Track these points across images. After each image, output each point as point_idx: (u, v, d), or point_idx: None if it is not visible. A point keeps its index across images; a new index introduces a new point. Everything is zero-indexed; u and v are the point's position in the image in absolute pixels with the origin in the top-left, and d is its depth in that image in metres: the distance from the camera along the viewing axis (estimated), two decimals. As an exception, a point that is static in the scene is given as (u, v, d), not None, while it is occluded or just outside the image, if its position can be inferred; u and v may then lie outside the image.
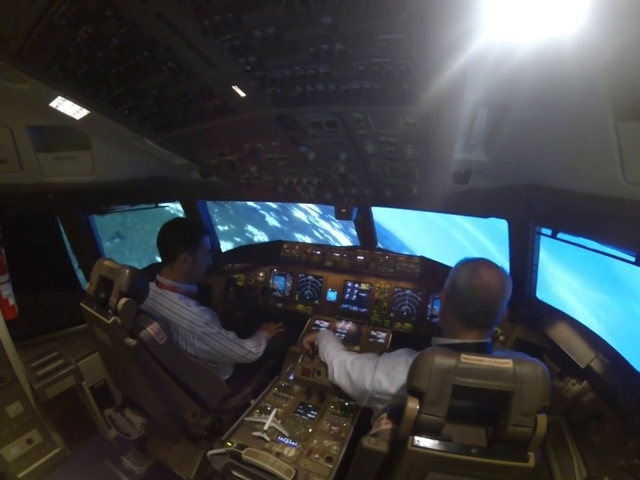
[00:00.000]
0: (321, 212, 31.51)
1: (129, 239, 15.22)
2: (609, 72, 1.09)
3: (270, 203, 26.79)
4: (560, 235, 2.15)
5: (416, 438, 1.36)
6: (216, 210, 22.26)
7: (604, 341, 2.22)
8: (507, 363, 1.33)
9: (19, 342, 2.51)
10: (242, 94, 1.56)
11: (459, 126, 1.66)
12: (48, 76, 1.56)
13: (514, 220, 2.46)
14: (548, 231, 2.25)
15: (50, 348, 2.68)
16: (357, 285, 3.36)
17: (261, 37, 1.19)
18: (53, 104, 1.90)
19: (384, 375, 1.83)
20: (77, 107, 1.92)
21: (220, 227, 20.71)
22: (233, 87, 1.52)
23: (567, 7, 0.92)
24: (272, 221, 27.14)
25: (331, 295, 3.42)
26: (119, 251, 14.66)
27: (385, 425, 1.64)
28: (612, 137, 1.28)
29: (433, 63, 1.18)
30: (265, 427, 2.34)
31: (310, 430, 2.40)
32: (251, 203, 26.48)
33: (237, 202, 24.70)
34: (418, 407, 1.36)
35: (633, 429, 1.77)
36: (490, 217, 2.44)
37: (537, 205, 2.08)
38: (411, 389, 1.40)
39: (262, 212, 27.36)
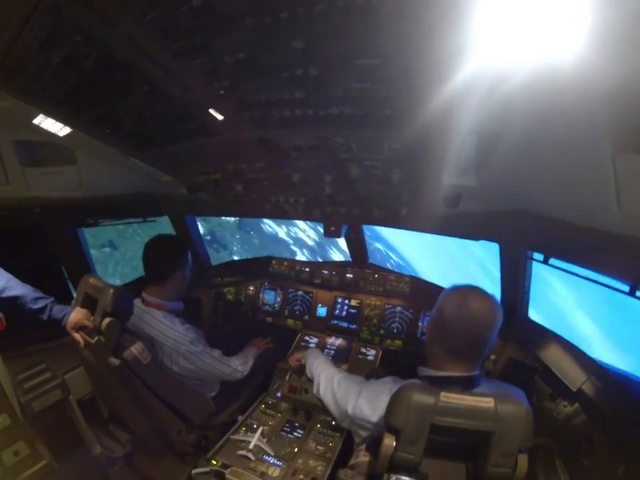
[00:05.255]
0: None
1: (121, 251, 13.35)
2: (608, 101, 0.95)
3: (306, 240, 25.46)
4: (552, 261, 1.99)
5: (392, 476, 1.28)
6: (237, 236, 21.17)
7: (597, 363, 2.10)
8: (488, 402, 1.23)
9: (6, 353, 2.40)
10: (219, 117, 1.47)
11: (447, 152, 1.51)
12: (28, 95, 1.50)
13: (505, 244, 2.33)
14: (540, 256, 2.13)
15: (37, 360, 2.56)
16: (346, 301, 3.23)
17: (232, 61, 1.10)
18: (35, 121, 1.82)
19: (367, 402, 1.72)
20: (60, 125, 1.81)
21: (236, 258, 19.36)
22: (210, 110, 1.42)
23: (564, 32, 0.80)
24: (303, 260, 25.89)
25: (321, 311, 3.28)
26: (103, 263, 12.79)
27: (362, 456, 1.56)
28: (609, 170, 1.14)
29: (416, 89, 1.08)
30: (250, 446, 2.22)
31: (296, 449, 2.29)
32: (282, 235, 25.28)
33: (265, 232, 23.60)
34: (394, 443, 1.27)
35: (624, 453, 1.67)
36: (480, 239, 2.28)
37: (529, 231, 1.95)
38: (388, 425, 1.31)
39: (294, 247, 25.82)
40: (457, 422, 1.23)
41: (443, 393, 1.26)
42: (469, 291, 1.58)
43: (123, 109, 1.53)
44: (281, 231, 25.90)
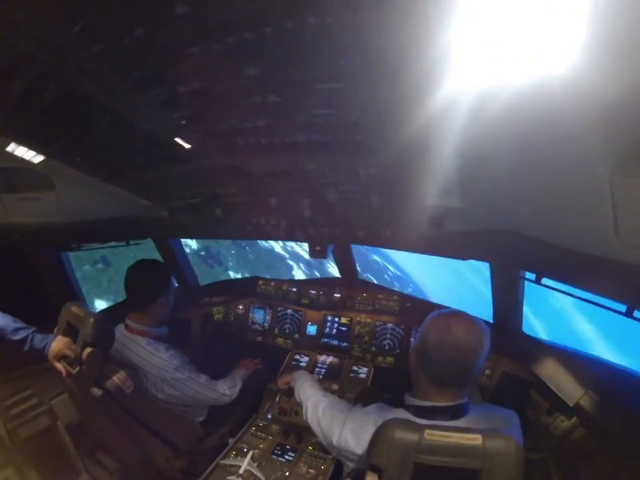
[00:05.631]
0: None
1: (115, 267, 12.85)
2: (605, 119, 0.86)
3: (303, 254, 24.69)
4: (544, 281, 1.89)
5: None
6: (233, 252, 20.91)
7: (595, 375, 2.02)
8: (475, 439, 1.15)
9: None
10: (186, 145, 1.42)
11: (427, 175, 1.42)
12: None
13: (495, 263, 2.24)
14: (532, 276, 2.04)
15: (24, 385, 2.51)
16: (336, 319, 3.15)
17: (187, 91, 1.06)
18: (9, 149, 1.77)
19: (351, 433, 1.63)
20: (33, 152, 1.76)
21: (232, 273, 19.11)
22: (176, 139, 1.39)
23: (555, 45, 0.71)
24: (299, 274, 24.99)
25: (311, 329, 3.20)
26: (97, 279, 12.50)
27: None
28: (606, 193, 1.05)
29: (387, 113, 1.01)
30: (241, 471, 2.15)
31: (287, 473, 2.22)
32: (278, 249, 24.76)
33: (261, 247, 23.27)
34: None
35: (623, 468, 1.59)
36: (470, 259, 2.19)
37: (520, 251, 1.87)
38: (370, 464, 1.24)
39: (290, 262, 25.38)
40: (442, 460, 1.15)
41: (427, 431, 1.19)
42: (452, 317, 1.50)
43: (90, 138, 1.51)
44: (277, 245, 25.52)
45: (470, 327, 1.45)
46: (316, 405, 1.93)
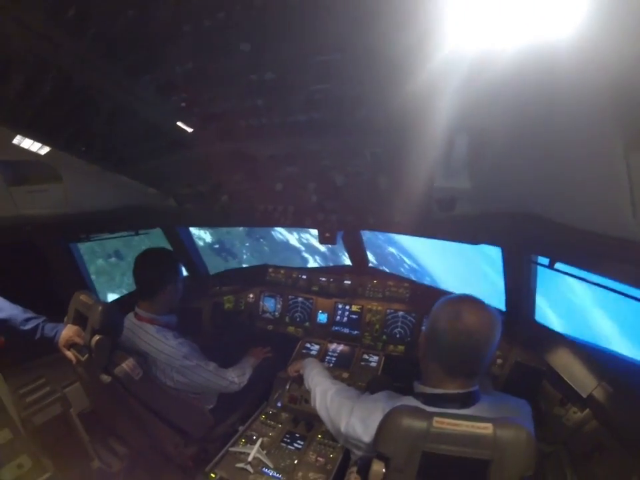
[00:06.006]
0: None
1: (127, 261, 12.68)
2: (617, 87, 0.79)
3: (320, 247, 24.36)
4: (558, 266, 1.84)
5: None
6: (247, 244, 20.59)
7: (609, 367, 1.96)
8: (486, 428, 1.11)
9: (6, 368, 2.38)
10: (188, 129, 1.41)
11: (434, 153, 1.37)
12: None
13: (507, 248, 2.18)
14: (545, 260, 1.96)
15: (37, 374, 2.55)
16: (347, 307, 3.12)
17: (182, 72, 1.04)
18: (15, 141, 1.80)
19: (359, 421, 1.59)
20: (38, 144, 1.80)
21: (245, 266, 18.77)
22: (178, 123, 1.37)
23: (561, 2, 0.65)
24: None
25: (322, 317, 3.18)
26: (110, 273, 12.44)
27: (354, 479, 1.50)
28: (621, 169, 0.97)
29: (386, 84, 0.96)
30: (249, 458, 2.17)
31: (295, 461, 2.22)
32: (294, 242, 24.35)
33: (276, 239, 23.03)
34: (384, 470, 1.18)
35: (637, 462, 1.55)
36: (481, 243, 2.13)
37: (533, 235, 1.80)
38: (377, 452, 1.22)
39: (305, 254, 24.89)
40: (451, 450, 1.12)
41: (436, 418, 1.15)
42: (464, 303, 1.43)
43: (93, 128, 1.51)
44: (292, 237, 25.08)
45: (481, 313, 1.40)
46: (324, 392, 1.91)
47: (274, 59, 0.93)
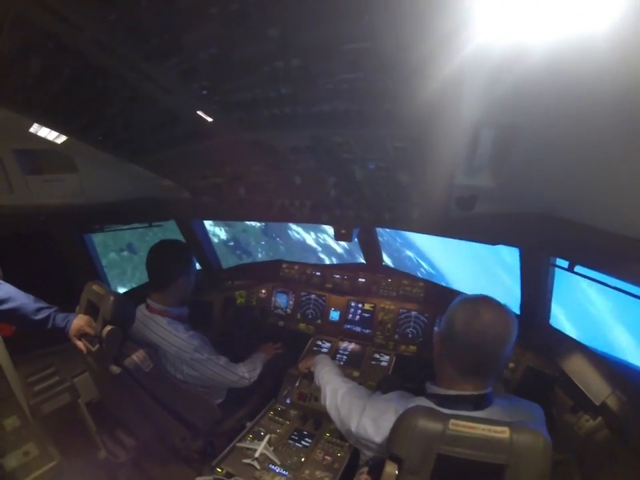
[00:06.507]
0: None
1: (140, 255, 12.50)
2: None
3: (336, 248, 24.35)
4: (578, 269, 1.80)
5: None
6: (263, 243, 20.40)
7: (623, 376, 1.90)
8: (503, 432, 1.09)
9: (17, 356, 2.41)
10: (208, 119, 1.38)
11: (458, 149, 1.33)
12: (15, 106, 1.50)
13: (526, 249, 2.13)
14: (564, 263, 1.92)
15: (47, 363, 2.56)
16: (360, 305, 3.09)
17: (206, 58, 1.00)
18: (31, 130, 1.80)
19: (371, 421, 1.58)
20: (55, 133, 1.79)
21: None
22: (198, 112, 1.33)
23: None
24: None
25: (334, 315, 3.15)
26: (121, 267, 12.31)
27: None
28: None
29: (416, 76, 0.93)
30: (256, 454, 2.15)
31: (303, 459, 2.20)
32: (310, 242, 24.23)
33: (292, 238, 22.80)
34: (397, 472, 1.16)
35: None
36: (499, 244, 2.08)
37: (553, 237, 1.75)
38: (390, 453, 1.19)
39: (322, 255, 24.66)
40: (466, 453, 1.09)
41: (452, 420, 1.12)
42: (481, 303, 1.42)
43: (110, 116, 1.48)
44: (309, 237, 24.86)
45: (499, 313, 1.39)
46: (335, 391, 1.89)
47: (302, 45, 0.89)
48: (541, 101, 0.97)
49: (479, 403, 1.40)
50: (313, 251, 24.61)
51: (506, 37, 0.76)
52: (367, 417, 1.60)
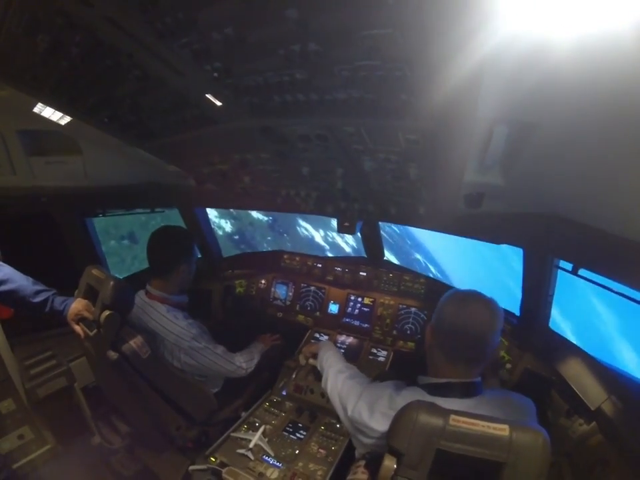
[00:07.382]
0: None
1: (141, 245, 12.08)
2: None
3: (344, 247, 23.46)
4: (581, 272, 1.80)
5: None
6: (269, 238, 19.92)
7: (620, 380, 1.94)
8: (502, 430, 1.08)
9: (14, 339, 2.41)
10: (218, 103, 1.34)
11: (471, 145, 1.32)
12: (21, 84, 1.48)
13: (530, 250, 2.12)
14: (568, 265, 1.91)
15: (44, 347, 2.55)
16: (360, 299, 3.07)
17: (221, 39, 0.96)
18: (35, 110, 1.78)
19: (366, 405, 1.62)
20: (59, 113, 1.75)
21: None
22: (207, 95, 1.30)
23: None
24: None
25: (333, 308, 3.13)
26: (120, 255, 11.95)
27: (361, 474, 1.46)
28: None
29: (436, 67, 0.89)
30: (251, 445, 2.15)
31: (297, 451, 2.19)
32: (318, 239, 23.72)
33: (300, 235, 22.50)
34: (395, 466, 1.14)
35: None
36: (503, 243, 2.07)
37: (559, 238, 1.76)
38: (389, 446, 1.18)
39: (329, 254, 23.25)
40: (465, 449, 1.09)
41: (452, 416, 1.12)
42: (468, 294, 1.54)
43: (117, 97, 1.45)
44: (318, 235, 24.36)
45: (485, 303, 1.49)
46: (336, 375, 1.92)
47: (321, 29, 0.85)
48: (565, 99, 0.95)
49: (468, 390, 1.47)
50: (320, 249, 24.24)
51: (533, 33, 0.74)
52: (363, 401, 1.64)
